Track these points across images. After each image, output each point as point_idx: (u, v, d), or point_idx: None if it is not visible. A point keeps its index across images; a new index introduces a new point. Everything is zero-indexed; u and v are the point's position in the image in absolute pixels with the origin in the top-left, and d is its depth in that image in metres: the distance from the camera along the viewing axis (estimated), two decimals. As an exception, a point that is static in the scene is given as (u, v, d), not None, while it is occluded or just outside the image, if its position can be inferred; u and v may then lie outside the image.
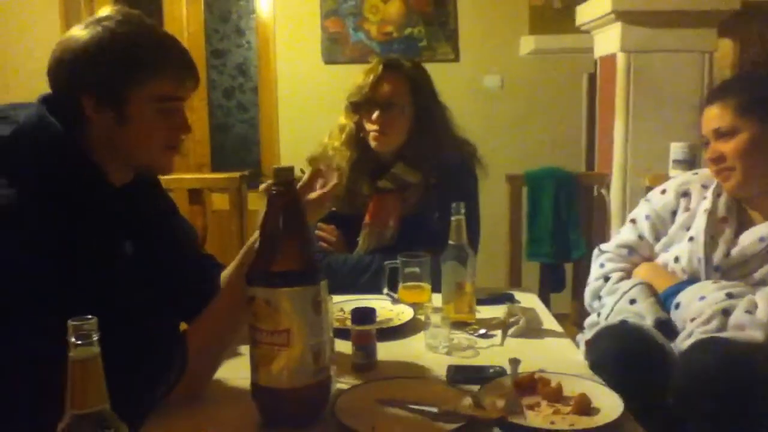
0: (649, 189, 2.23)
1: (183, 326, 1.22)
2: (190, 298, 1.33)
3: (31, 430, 0.99)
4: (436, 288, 1.58)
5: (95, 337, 0.69)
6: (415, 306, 1.57)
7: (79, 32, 1.14)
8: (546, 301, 1.80)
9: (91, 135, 1.16)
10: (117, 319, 1.05)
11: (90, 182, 1.14)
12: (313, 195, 1.29)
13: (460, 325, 1.45)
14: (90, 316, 0.70)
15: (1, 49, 3.70)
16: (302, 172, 1.36)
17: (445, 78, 2.05)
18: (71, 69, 1.13)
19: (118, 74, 1.13)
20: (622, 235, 1.74)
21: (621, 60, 2.70)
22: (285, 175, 1.03)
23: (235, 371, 1.21)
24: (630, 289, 1.56)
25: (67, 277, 1.03)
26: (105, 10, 1.16)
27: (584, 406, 1.05)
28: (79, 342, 0.69)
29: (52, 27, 3.71)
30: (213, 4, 4.67)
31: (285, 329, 0.99)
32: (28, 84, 3.47)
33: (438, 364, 1.27)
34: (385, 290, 1.67)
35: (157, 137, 1.19)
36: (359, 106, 1.91)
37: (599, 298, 1.67)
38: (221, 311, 1.18)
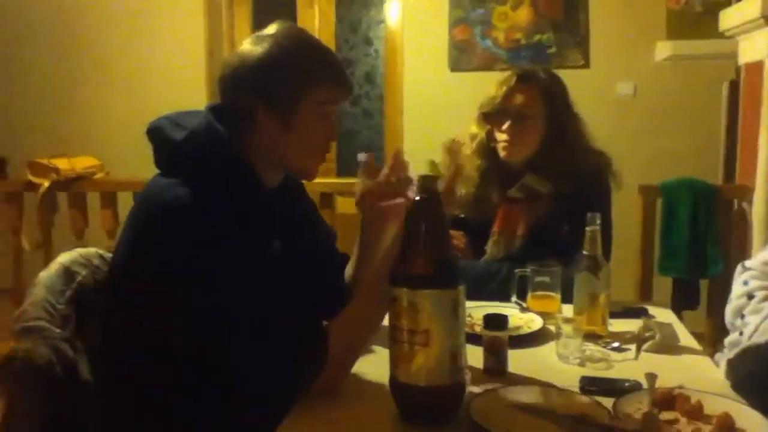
0: (798, 204, 2.10)
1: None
2: (329, 295, 1.42)
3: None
4: (563, 299, 1.58)
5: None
6: (544, 315, 1.56)
7: (252, 46, 1.27)
8: (678, 319, 1.74)
9: (254, 139, 1.28)
10: (268, 313, 1.15)
11: (249, 184, 1.26)
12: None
13: (592, 337, 1.43)
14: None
15: (146, 58, 4.00)
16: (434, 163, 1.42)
17: (574, 85, 2.01)
18: (247, 78, 1.26)
19: (290, 84, 1.25)
20: (768, 251, 1.64)
21: (769, 67, 2.54)
22: (430, 183, 1.08)
23: (369, 368, 1.28)
24: (777, 308, 1.47)
25: (229, 272, 1.13)
26: (271, 27, 1.30)
27: (727, 426, 1.02)
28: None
29: (197, 38, 3.99)
30: (343, 14, 4.85)
31: (425, 329, 1.03)
32: (168, 91, 3.74)
33: (570, 374, 1.26)
34: (514, 298, 1.67)
35: (313, 143, 1.31)
36: (491, 117, 1.91)
37: (742, 316, 1.58)
38: (361, 310, 1.24)
